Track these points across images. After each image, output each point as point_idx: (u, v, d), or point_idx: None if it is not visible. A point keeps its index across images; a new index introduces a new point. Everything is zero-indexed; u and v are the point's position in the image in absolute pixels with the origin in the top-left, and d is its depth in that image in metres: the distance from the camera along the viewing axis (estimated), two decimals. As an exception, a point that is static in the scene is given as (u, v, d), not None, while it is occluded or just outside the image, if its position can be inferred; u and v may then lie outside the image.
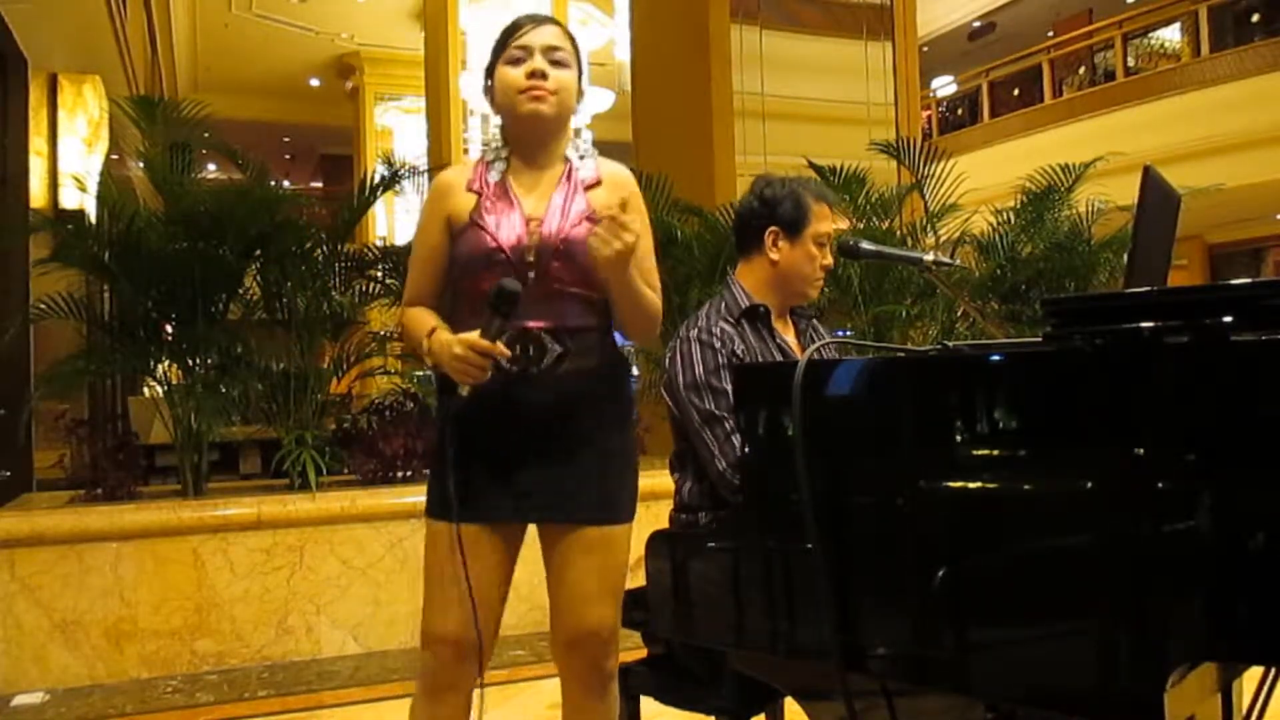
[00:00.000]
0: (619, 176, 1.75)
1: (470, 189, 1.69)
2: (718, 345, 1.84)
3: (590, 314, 1.69)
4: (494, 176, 1.69)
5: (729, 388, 1.79)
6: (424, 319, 1.68)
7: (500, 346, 1.54)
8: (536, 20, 1.69)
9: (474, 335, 1.54)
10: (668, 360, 1.91)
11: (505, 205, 1.66)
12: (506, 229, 1.64)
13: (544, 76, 1.64)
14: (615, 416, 1.72)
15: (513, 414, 1.63)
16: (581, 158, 1.74)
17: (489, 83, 1.72)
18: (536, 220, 1.65)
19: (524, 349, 1.62)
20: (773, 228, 1.92)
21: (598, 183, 1.72)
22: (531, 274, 1.62)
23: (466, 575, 1.63)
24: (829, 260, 1.95)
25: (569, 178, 1.70)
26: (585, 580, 1.68)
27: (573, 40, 1.71)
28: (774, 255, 1.93)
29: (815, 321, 2.10)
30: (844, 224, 4.66)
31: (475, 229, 1.64)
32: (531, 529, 1.73)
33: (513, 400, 1.63)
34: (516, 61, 1.65)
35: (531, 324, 1.63)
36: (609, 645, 1.71)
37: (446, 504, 1.64)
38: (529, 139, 1.70)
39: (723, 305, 1.94)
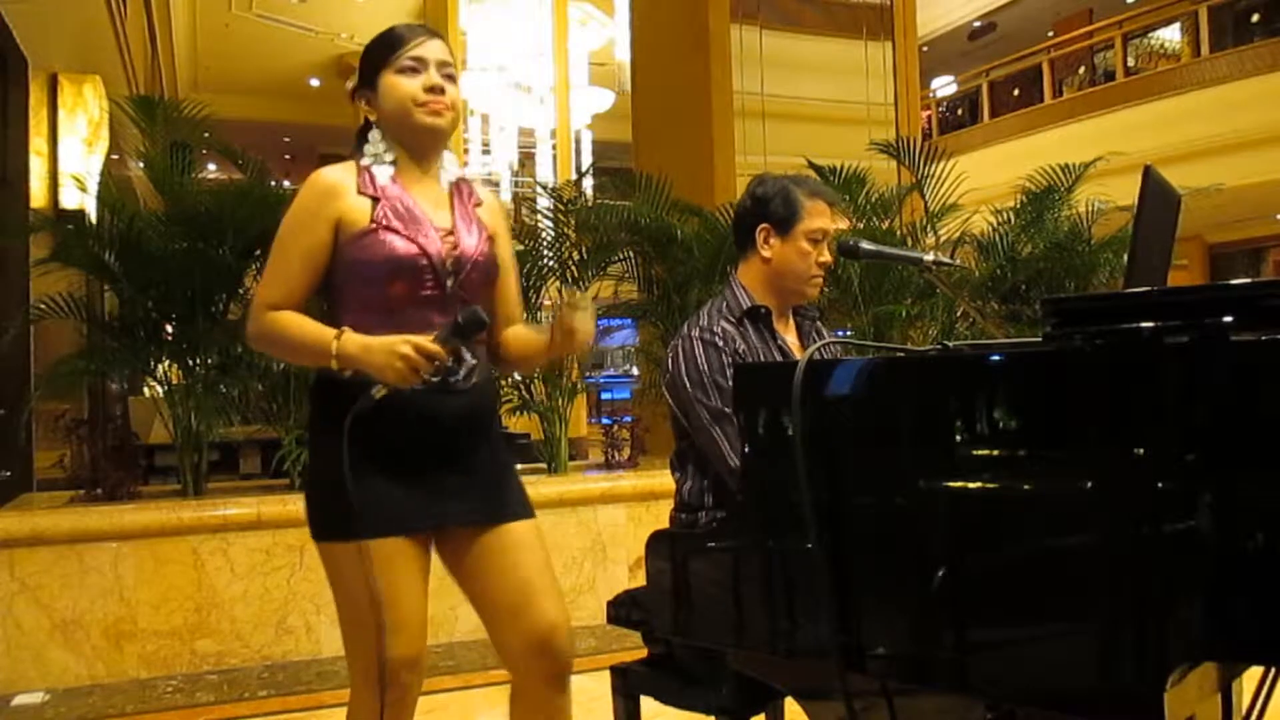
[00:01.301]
0: (494, 200, 1.84)
1: (363, 193, 1.64)
2: (720, 344, 1.85)
3: (488, 331, 1.73)
4: (383, 183, 1.66)
5: None
6: (311, 323, 1.61)
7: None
8: (426, 33, 1.70)
9: (424, 339, 1.53)
10: (669, 359, 1.91)
11: (412, 214, 1.65)
12: (425, 238, 1.63)
13: (442, 92, 1.65)
14: (498, 422, 1.83)
15: (427, 424, 1.63)
16: (456, 179, 1.77)
17: (368, 91, 1.69)
18: (447, 231, 1.67)
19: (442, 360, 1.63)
20: (764, 225, 1.93)
21: (480, 203, 1.77)
22: (450, 283, 1.64)
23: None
24: (826, 258, 1.94)
25: (460, 195, 1.74)
26: (539, 575, 1.70)
27: (453, 55, 1.73)
28: (766, 252, 1.93)
29: (819, 323, 2.09)
30: (844, 224, 4.66)
31: (387, 233, 1.61)
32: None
33: (427, 410, 1.62)
34: (411, 72, 1.65)
35: None
36: (571, 636, 1.72)
37: (367, 518, 1.57)
38: (419, 150, 1.70)
39: (724, 305, 1.94)
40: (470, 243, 1.68)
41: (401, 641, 1.60)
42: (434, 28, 1.80)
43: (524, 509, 1.74)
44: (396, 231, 1.61)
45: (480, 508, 1.69)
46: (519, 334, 1.83)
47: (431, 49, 1.67)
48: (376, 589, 1.56)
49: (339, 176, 1.65)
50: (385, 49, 1.67)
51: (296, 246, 1.63)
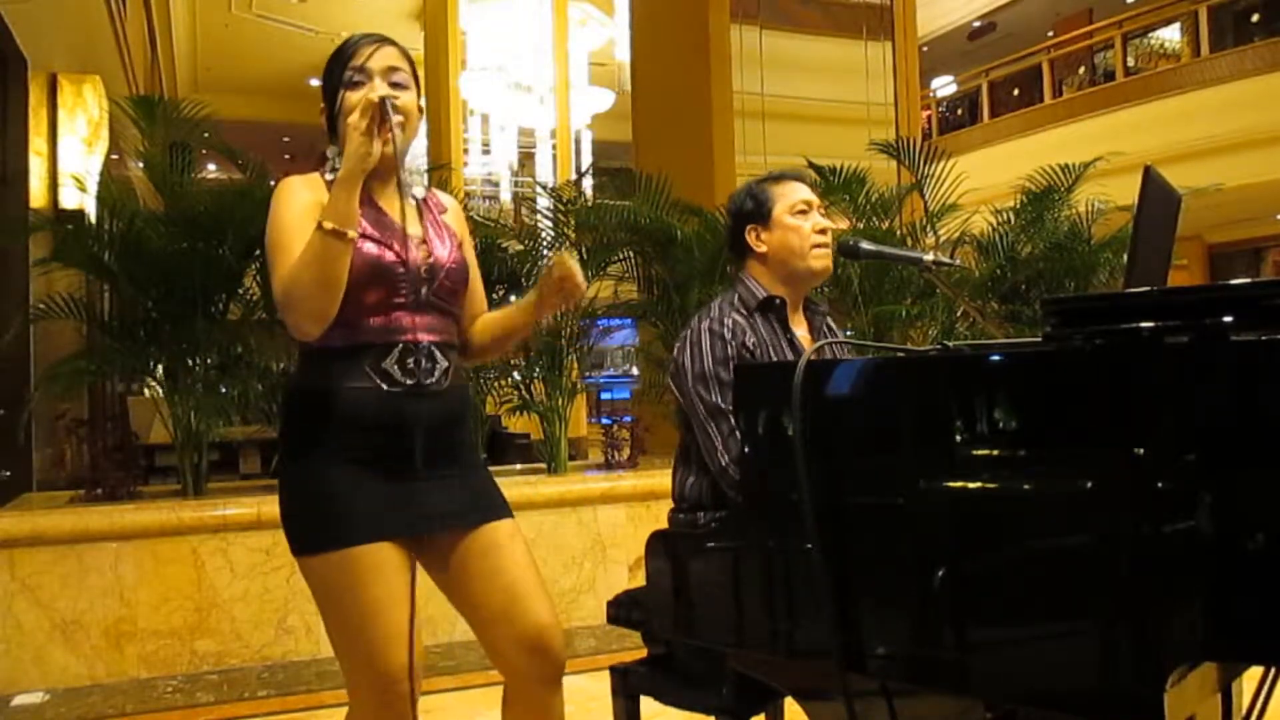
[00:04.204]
0: (455, 204, 1.85)
1: None
2: (728, 336, 1.85)
3: (457, 332, 1.74)
4: None
5: None
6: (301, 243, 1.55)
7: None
8: (374, 41, 1.67)
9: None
10: (676, 349, 1.91)
11: (386, 222, 1.64)
12: (402, 245, 1.63)
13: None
14: (471, 428, 1.81)
15: (402, 428, 1.61)
16: (425, 187, 1.78)
17: (330, 108, 1.65)
18: (418, 238, 1.67)
19: (417, 362, 1.63)
20: (748, 227, 1.96)
21: (445, 209, 1.78)
22: (424, 291, 1.64)
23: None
24: (820, 223, 1.95)
25: (425, 204, 1.75)
26: (525, 575, 1.69)
27: (409, 58, 1.70)
28: (760, 248, 1.95)
29: (829, 320, 2.10)
30: (844, 223, 4.66)
31: (364, 241, 1.58)
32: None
33: (403, 415, 1.61)
34: (354, 86, 1.62)
35: (423, 337, 1.63)
36: (562, 635, 1.71)
37: (356, 526, 1.58)
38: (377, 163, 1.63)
39: (736, 297, 1.95)
40: (443, 252, 1.69)
41: (397, 649, 1.57)
42: (387, 35, 1.72)
43: (502, 509, 1.73)
44: (373, 239, 1.60)
45: (460, 511, 1.67)
46: (491, 316, 1.84)
47: (379, 58, 1.63)
48: (368, 598, 1.56)
49: (308, 182, 1.63)
50: (334, 63, 1.66)
51: (298, 237, 1.54)
